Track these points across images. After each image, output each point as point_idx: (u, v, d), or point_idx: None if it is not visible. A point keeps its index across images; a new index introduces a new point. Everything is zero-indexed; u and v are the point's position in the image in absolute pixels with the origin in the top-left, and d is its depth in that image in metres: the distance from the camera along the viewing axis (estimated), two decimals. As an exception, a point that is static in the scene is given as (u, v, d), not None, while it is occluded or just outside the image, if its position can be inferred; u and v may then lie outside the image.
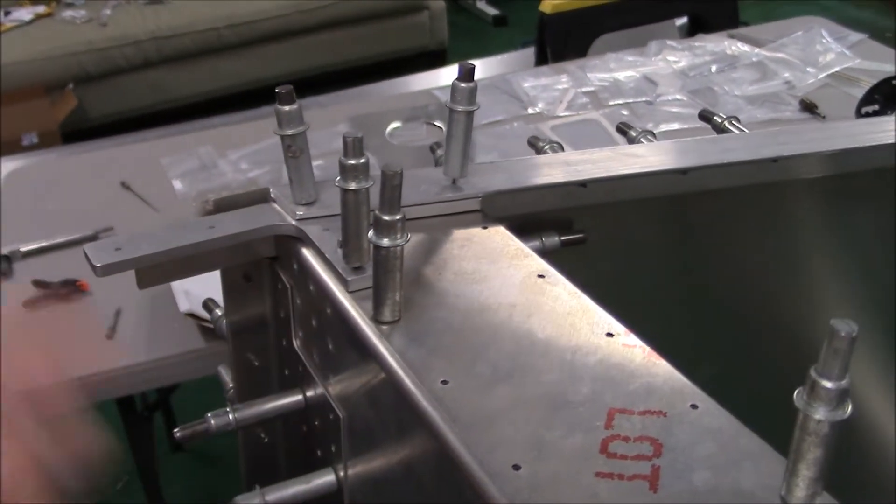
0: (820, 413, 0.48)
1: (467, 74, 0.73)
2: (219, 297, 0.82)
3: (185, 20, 3.52)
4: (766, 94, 2.12)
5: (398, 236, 0.61)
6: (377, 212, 0.61)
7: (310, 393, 0.77)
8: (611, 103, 2.13)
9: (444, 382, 0.59)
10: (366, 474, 0.70)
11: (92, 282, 1.86)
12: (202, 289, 1.49)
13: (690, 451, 0.54)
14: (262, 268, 0.78)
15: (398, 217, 0.61)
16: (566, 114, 2.12)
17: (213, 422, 0.75)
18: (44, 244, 1.93)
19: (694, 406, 0.58)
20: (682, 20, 2.67)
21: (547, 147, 0.88)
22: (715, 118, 0.92)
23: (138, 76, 3.53)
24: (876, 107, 1.95)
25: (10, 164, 2.17)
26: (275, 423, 0.84)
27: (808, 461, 0.49)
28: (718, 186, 0.84)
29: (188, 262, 0.72)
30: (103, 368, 1.72)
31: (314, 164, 1.77)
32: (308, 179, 0.74)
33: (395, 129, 2.09)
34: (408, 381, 0.59)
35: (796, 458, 0.50)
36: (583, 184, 0.80)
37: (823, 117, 2.00)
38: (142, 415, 2.05)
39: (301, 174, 0.73)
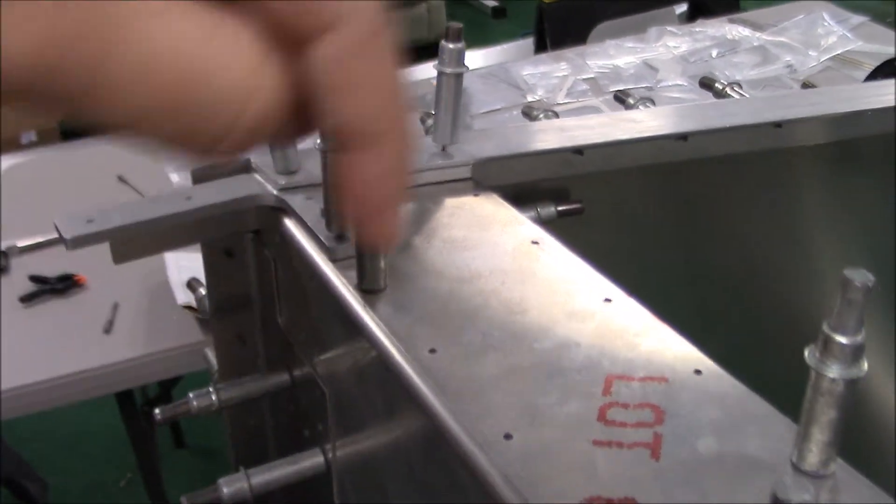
0: (834, 371, 0.44)
1: (455, 34, 0.70)
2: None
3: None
4: (767, 79, 2.09)
5: (381, 199, 0.58)
6: (359, 173, 0.57)
7: (296, 371, 0.73)
8: (611, 90, 2.09)
9: (432, 351, 0.56)
10: (354, 454, 0.67)
11: (89, 276, 1.84)
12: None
13: (694, 417, 0.51)
14: (245, 242, 0.74)
15: (381, 178, 0.57)
16: (566, 101, 2.09)
17: (194, 402, 0.72)
18: (40, 239, 1.91)
19: (698, 371, 0.54)
20: (681, 7, 2.64)
21: (542, 115, 0.85)
22: (716, 85, 0.89)
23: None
24: (880, 89, 1.92)
25: (8, 162, 2.15)
26: (262, 404, 0.80)
27: (822, 424, 0.46)
28: (720, 153, 0.81)
29: (165, 235, 0.69)
30: (101, 363, 1.70)
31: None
32: (290, 148, 0.70)
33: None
34: (393, 351, 0.56)
35: (809, 420, 0.46)
36: (579, 150, 0.77)
37: (827, 100, 1.97)
38: (142, 409, 2.03)
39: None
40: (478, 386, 0.53)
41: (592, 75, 2.15)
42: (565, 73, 2.17)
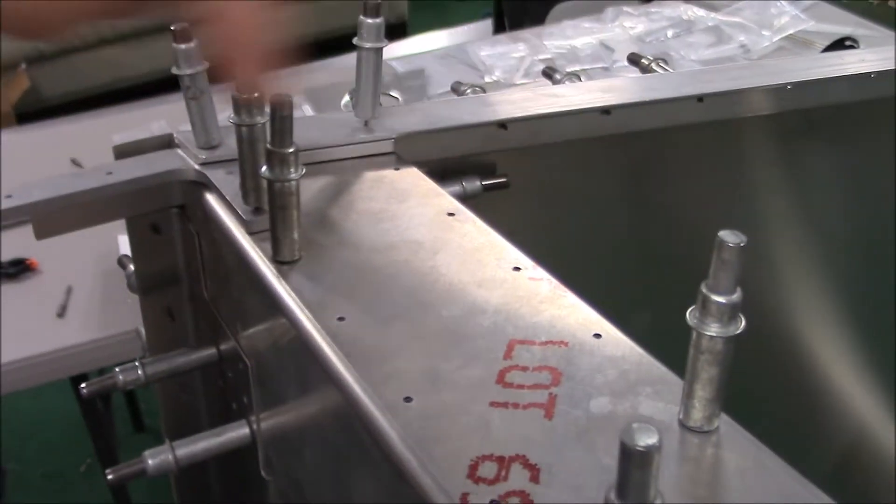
0: (713, 329, 0.46)
1: (373, 9, 0.71)
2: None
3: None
4: (722, 59, 2.10)
5: (292, 170, 0.59)
6: (268, 145, 0.58)
7: (223, 346, 0.74)
8: (568, 70, 2.10)
9: (341, 319, 0.57)
10: (276, 424, 0.68)
11: (42, 260, 1.83)
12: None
13: (590, 379, 0.52)
14: (171, 217, 0.75)
15: (290, 150, 0.58)
16: (523, 82, 2.10)
17: (120, 377, 0.73)
18: (-10, 224, 1.89)
19: (597, 335, 0.56)
20: (639, -13, 2.65)
21: (469, 90, 0.86)
22: (642, 60, 0.90)
23: (93, 54, 3.46)
24: (832, 68, 1.94)
25: (-36, 146, 2.13)
26: (193, 379, 0.81)
27: (703, 381, 0.47)
28: (644, 127, 0.82)
29: (87, 210, 0.69)
30: (54, 347, 1.70)
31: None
32: (211, 122, 0.71)
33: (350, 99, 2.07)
34: (303, 319, 0.57)
35: (692, 378, 0.48)
36: (503, 124, 0.78)
37: (780, 80, 1.99)
38: (98, 394, 2.03)
39: (203, 117, 0.71)
40: (383, 353, 0.54)
41: (550, 56, 2.16)
42: (523, 54, 2.18)
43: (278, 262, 0.62)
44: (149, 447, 0.71)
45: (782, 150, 0.95)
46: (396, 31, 3.69)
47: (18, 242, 1.76)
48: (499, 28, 2.45)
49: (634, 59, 0.91)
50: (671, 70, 0.89)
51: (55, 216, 0.68)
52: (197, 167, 0.70)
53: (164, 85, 3.10)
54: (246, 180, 0.64)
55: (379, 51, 0.72)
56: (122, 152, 0.72)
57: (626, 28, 2.23)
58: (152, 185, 0.70)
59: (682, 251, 0.92)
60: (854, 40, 1.93)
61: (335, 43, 3.56)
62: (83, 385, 0.73)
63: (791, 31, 2.12)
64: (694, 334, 0.47)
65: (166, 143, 0.73)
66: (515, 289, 0.60)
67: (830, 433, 1.10)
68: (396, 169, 0.73)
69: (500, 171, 0.81)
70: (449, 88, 2.11)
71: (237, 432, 0.71)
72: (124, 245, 1.77)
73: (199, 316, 0.78)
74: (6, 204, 0.65)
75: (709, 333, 0.46)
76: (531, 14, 2.38)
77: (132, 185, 0.69)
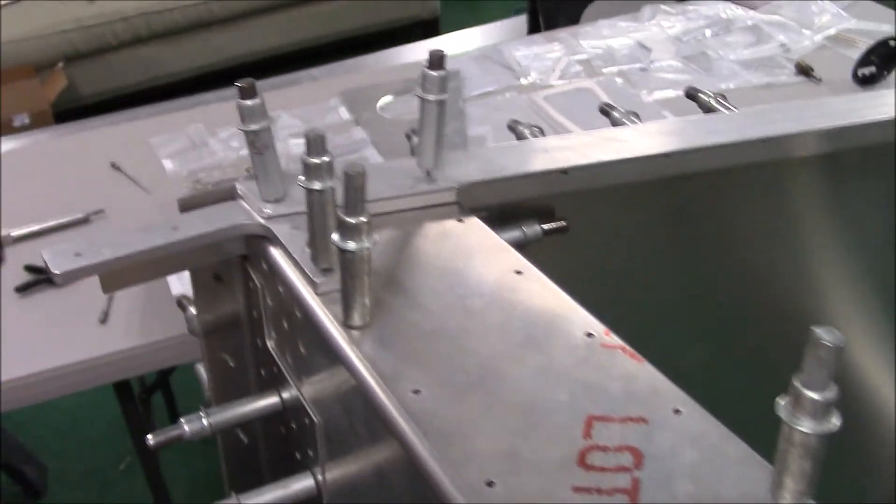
0: (806, 425, 0.45)
1: (437, 62, 0.70)
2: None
3: (173, -6, 3.46)
4: (761, 59, 2.07)
5: (364, 239, 0.58)
6: (341, 214, 0.58)
7: (286, 395, 0.74)
8: (604, 71, 2.08)
9: (416, 392, 0.57)
10: (343, 479, 0.68)
11: (82, 267, 1.84)
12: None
13: (672, 460, 0.52)
14: (233, 266, 0.75)
15: (363, 220, 0.58)
16: (559, 83, 2.08)
17: (186, 428, 0.73)
18: (35, 228, 1.91)
19: (677, 411, 0.55)
20: (676, -17, 2.61)
21: (527, 131, 0.85)
22: (700, 96, 0.89)
23: (129, 53, 3.47)
24: (873, 69, 1.91)
25: (5, 146, 2.14)
26: (254, 424, 0.81)
27: (795, 474, 0.47)
28: (704, 168, 0.81)
29: (153, 265, 0.69)
30: (98, 353, 1.71)
31: (303, 140, 1.73)
32: (275, 175, 0.71)
33: (388, 102, 2.06)
34: (378, 391, 0.57)
35: (782, 469, 0.47)
36: (563, 171, 0.77)
37: (819, 80, 1.96)
38: (140, 397, 2.04)
39: (267, 170, 0.70)
40: (461, 428, 0.54)
41: (586, 56, 2.14)
42: (559, 55, 2.16)
43: (349, 326, 0.62)
44: (186, 445, 0.72)
45: (834, 187, 0.94)
46: (430, 26, 3.68)
47: (60, 250, 1.76)
48: (533, 27, 2.43)
49: (692, 95, 0.89)
50: (731, 107, 0.87)
51: (123, 273, 0.68)
52: (262, 221, 0.70)
53: (199, 83, 3.12)
54: (315, 242, 0.64)
55: (443, 102, 0.72)
56: (186, 205, 0.72)
57: (664, 27, 2.20)
58: (217, 239, 0.70)
59: (737, 289, 0.92)
60: (898, 41, 1.89)
61: (366, 40, 3.57)
62: (150, 437, 0.73)
63: (832, 30, 2.09)
64: (785, 427, 0.46)
65: (228, 194, 0.73)
66: (589, 357, 0.59)
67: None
68: (460, 221, 0.72)
69: (558, 214, 0.81)
70: (486, 90, 2.09)
71: (302, 484, 0.71)
72: (173, 283, 1.77)
73: (260, 363, 0.78)
74: (76, 263, 0.65)
75: (802, 429, 0.46)
76: (566, 13, 2.36)
77: (198, 241, 0.69)
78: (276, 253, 0.69)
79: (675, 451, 0.52)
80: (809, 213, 0.93)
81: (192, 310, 0.82)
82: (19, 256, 1.86)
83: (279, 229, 0.69)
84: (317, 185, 0.61)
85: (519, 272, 0.66)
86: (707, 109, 0.88)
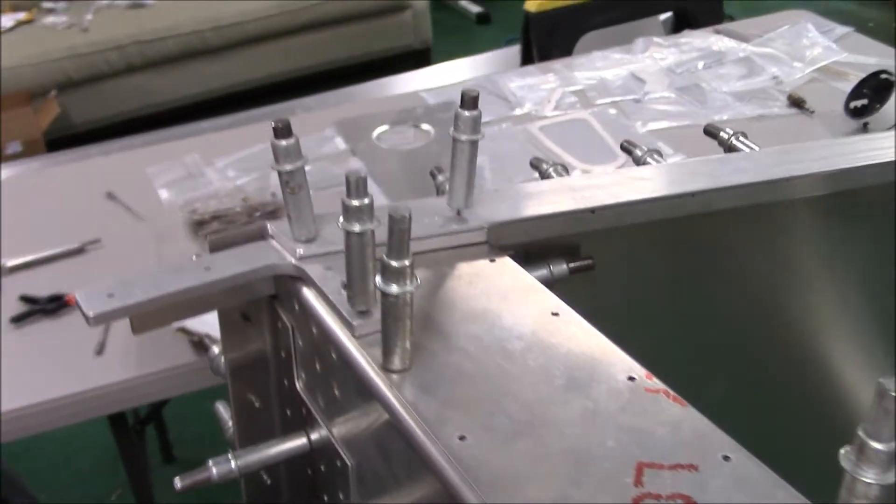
0: (870, 476, 0.45)
1: (471, 102, 0.70)
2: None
3: (168, 23, 3.47)
4: (753, 90, 2.10)
5: (407, 283, 0.58)
6: (385, 257, 0.58)
7: (314, 436, 0.73)
8: (599, 102, 2.10)
9: (462, 438, 0.56)
10: (376, 524, 0.67)
11: (77, 297, 1.82)
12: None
13: (725, 507, 0.52)
14: (262, 306, 0.74)
15: (407, 263, 0.58)
16: (554, 113, 2.09)
17: (214, 470, 0.72)
18: (30, 258, 1.89)
19: (726, 458, 0.55)
20: (665, 16, 2.65)
21: (551, 169, 0.85)
22: (721, 134, 0.89)
23: (122, 81, 3.47)
24: (865, 101, 1.94)
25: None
26: (278, 465, 0.80)
27: (855, 524, 0.47)
28: (725, 206, 0.82)
29: (184, 305, 0.69)
30: (93, 385, 1.69)
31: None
32: (308, 215, 0.70)
33: (383, 132, 2.06)
34: (424, 438, 0.56)
35: (842, 519, 0.47)
36: (591, 210, 0.77)
37: (812, 112, 1.98)
38: (133, 428, 2.02)
39: (300, 210, 0.70)
40: (510, 477, 0.53)
41: (580, 87, 2.16)
42: (553, 86, 2.17)
43: (388, 370, 0.61)
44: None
45: (833, 227, 0.95)
46: (422, 56, 3.70)
47: (55, 278, 1.75)
48: (527, 58, 2.44)
49: (713, 132, 0.90)
50: (751, 144, 0.88)
51: (154, 314, 0.68)
52: (294, 262, 0.70)
53: (192, 112, 3.12)
54: (353, 284, 0.63)
55: (475, 143, 0.72)
56: (217, 245, 0.71)
57: (657, 59, 2.22)
58: (248, 280, 0.70)
59: (747, 325, 0.92)
60: (890, 73, 1.92)
61: (358, 70, 3.58)
62: (178, 479, 0.72)
63: (824, 63, 2.12)
64: (848, 477, 0.46)
65: (258, 234, 0.73)
66: (633, 402, 0.59)
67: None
68: (492, 260, 0.72)
69: (583, 251, 0.81)
70: (482, 121, 2.10)
71: (332, 527, 0.71)
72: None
73: (287, 404, 0.77)
74: (109, 305, 0.64)
75: (865, 479, 0.46)
76: (559, 44, 2.38)
77: (230, 281, 0.68)
78: (309, 294, 0.68)
79: (730, 499, 0.52)
80: (820, 250, 0.93)
81: (215, 349, 0.81)
82: (14, 286, 1.84)
83: (312, 270, 0.69)
84: (356, 228, 0.61)
85: (556, 314, 0.66)
86: (728, 147, 0.88)
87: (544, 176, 0.85)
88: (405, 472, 0.60)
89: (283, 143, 0.67)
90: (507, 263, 0.72)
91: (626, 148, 0.90)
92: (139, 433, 2.06)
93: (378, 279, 0.58)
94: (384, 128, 2.08)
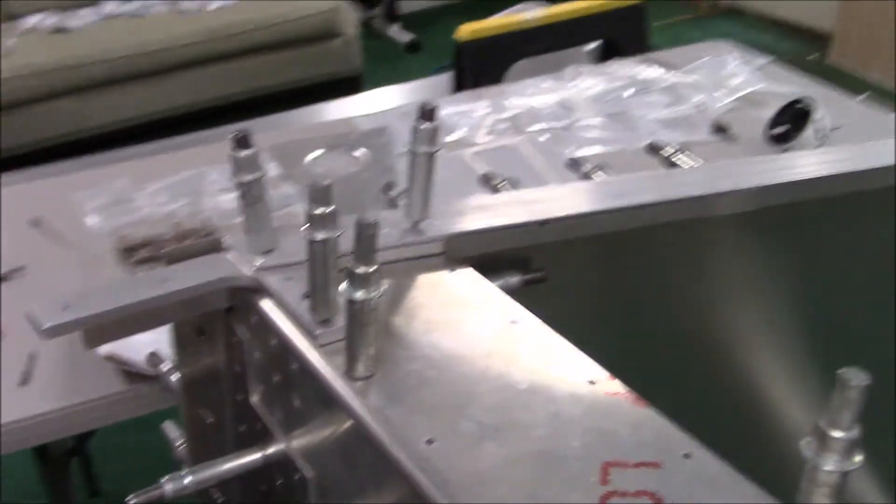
0: (830, 464, 0.47)
1: (428, 114, 0.71)
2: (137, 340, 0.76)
3: (94, 49, 3.40)
4: (679, 117, 2.15)
5: (373, 288, 0.59)
6: (351, 264, 0.58)
7: (269, 451, 0.73)
8: (530, 128, 2.13)
9: (430, 442, 0.56)
10: (337, 536, 0.67)
11: (5, 325, 1.77)
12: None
13: (692, 501, 0.53)
14: (217, 320, 0.74)
15: (373, 269, 0.58)
16: (487, 140, 2.12)
17: (167, 487, 0.71)
18: (-47, 286, 1.83)
19: (687, 455, 0.56)
20: (592, 45, 2.71)
21: (501, 184, 0.86)
22: (661, 152, 0.92)
23: (48, 106, 3.39)
24: (784, 128, 2.01)
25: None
26: (232, 481, 0.79)
27: (818, 513, 0.48)
28: (670, 219, 0.84)
29: (139, 318, 0.68)
30: (17, 416, 1.63)
31: (233, 195, 1.73)
32: (266, 227, 0.70)
33: (317, 157, 2.06)
34: (391, 443, 0.56)
35: (805, 509, 0.49)
36: (541, 222, 0.79)
37: (736, 138, 2.05)
38: (58, 461, 1.96)
39: (259, 221, 0.70)
40: (480, 478, 0.54)
41: (512, 114, 2.19)
42: (485, 112, 2.20)
43: (353, 377, 0.61)
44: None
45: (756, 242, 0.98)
46: (352, 83, 3.70)
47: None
48: (458, 85, 2.47)
49: (655, 148, 0.92)
50: (692, 160, 0.91)
51: (109, 326, 0.66)
52: (252, 273, 0.69)
53: (117, 137, 3.07)
54: (317, 293, 0.64)
55: (432, 155, 0.73)
56: (174, 258, 0.70)
57: (586, 87, 2.27)
58: (204, 292, 0.69)
59: (685, 336, 0.94)
60: (806, 102, 2.00)
61: (288, 96, 3.57)
62: (131, 497, 0.70)
63: (746, 92, 2.19)
64: (809, 467, 0.48)
65: (213, 246, 0.72)
66: (595, 404, 0.60)
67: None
68: (451, 270, 0.73)
69: (534, 265, 0.82)
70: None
71: (290, 542, 0.70)
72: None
73: (241, 419, 0.76)
74: (64, 317, 0.63)
75: (826, 468, 0.47)
76: (490, 72, 2.41)
77: (188, 293, 0.67)
78: (267, 305, 0.68)
79: (693, 494, 0.53)
80: (755, 262, 0.96)
81: (164, 366, 0.80)
82: (-65, 315, 1.77)
83: (271, 281, 0.68)
84: (320, 236, 0.61)
85: (514, 322, 0.67)
86: (669, 163, 0.91)
87: (494, 191, 0.87)
88: (371, 480, 0.60)
89: (243, 153, 0.67)
90: (466, 273, 0.73)
91: (573, 164, 0.92)
92: (64, 466, 2.00)
93: (344, 285, 0.59)
94: (318, 153, 2.08)
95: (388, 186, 0.85)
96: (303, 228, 0.62)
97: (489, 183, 0.89)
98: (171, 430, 0.83)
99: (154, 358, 0.80)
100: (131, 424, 1.70)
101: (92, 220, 1.90)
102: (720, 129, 2.06)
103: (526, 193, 0.84)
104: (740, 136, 2.04)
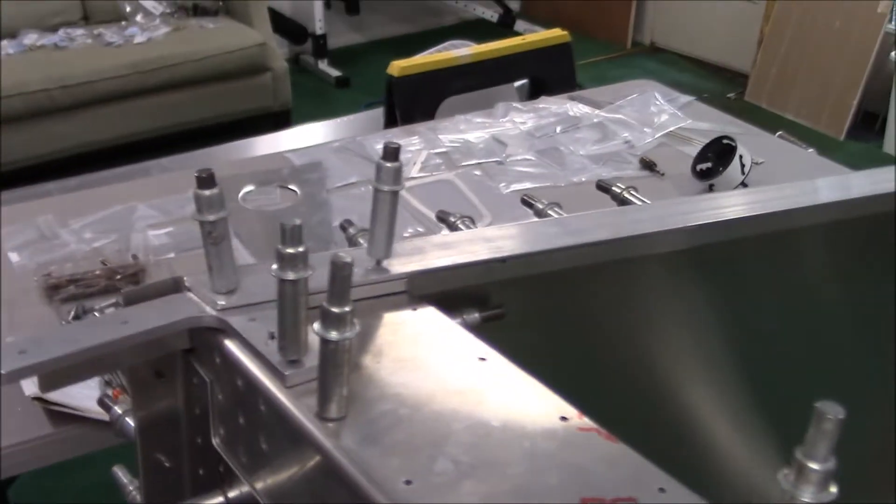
0: (808, 495, 0.48)
1: (392, 154, 0.71)
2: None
3: (13, 81, 3.31)
4: (608, 153, 2.20)
5: (347, 329, 0.58)
6: (325, 303, 0.58)
7: (232, 494, 0.71)
8: (463, 164, 2.15)
9: (408, 483, 0.56)
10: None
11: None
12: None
13: (669, 537, 0.54)
14: (176, 361, 0.72)
15: (348, 309, 0.58)
16: (420, 175, 2.13)
17: (127, 534, 0.69)
18: None
19: (661, 489, 0.57)
20: (520, 82, 2.76)
21: (459, 222, 0.87)
22: (613, 189, 0.94)
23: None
24: (709, 164, 2.08)
25: None
26: (188, 526, 0.77)
27: (795, 543, 0.50)
28: (628, 255, 0.86)
29: (97, 361, 0.66)
30: (-70, 465, 1.57)
31: (163, 231, 1.68)
32: (229, 266, 0.69)
33: (249, 192, 2.04)
34: (368, 485, 0.56)
35: (783, 539, 0.50)
36: (502, 259, 0.79)
37: (663, 174, 2.10)
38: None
39: (222, 261, 0.69)
40: (461, 518, 0.54)
41: (445, 149, 2.21)
42: (418, 148, 2.21)
43: (324, 418, 0.61)
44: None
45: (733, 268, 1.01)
46: (281, 118, 3.69)
47: None
48: (390, 121, 2.48)
49: (605, 187, 0.95)
50: (641, 198, 0.93)
51: (64, 371, 0.64)
52: (215, 313, 0.68)
53: (37, 172, 2.98)
54: (286, 333, 0.63)
55: (396, 194, 0.73)
56: (130, 298, 0.69)
57: (517, 123, 2.30)
58: (164, 334, 0.68)
59: (653, 370, 0.96)
60: (731, 139, 2.07)
61: (216, 130, 3.53)
62: (87, 547, 0.68)
63: (671, 129, 2.25)
64: (787, 497, 0.49)
65: (173, 286, 0.71)
66: (569, 441, 0.61)
67: None
68: (414, 309, 0.73)
69: (492, 301, 0.83)
70: (348, 181, 2.12)
71: (255, 588, 0.68)
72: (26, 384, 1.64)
73: (200, 462, 0.75)
74: (22, 361, 0.61)
75: (804, 499, 0.49)
76: (421, 108, 2.43)
77: (149, 335, 0.66)
78: (231, 346, 0.67)
79: (670, 528, 0.54)
80: (692, 299, 0.99)
81: (118, 409, 0.78)
82: None
83: (235, 321, 0.67)
84: (290, 276, 0.61)
85: (483, 359, 0.68)
86: (620, 201, 0.93)
87: (452, 228, 0.87)
88: (346, 523, 0.59)
89: (207, 192, 0.66)
90: (429, 312, 0.73)
91: (527, 202, 0.93)
92: (-13, 513, 1.92)
93: (317, 325, 0.58)
94: (249, 188, 2.06)
95: (346, 224, 0.85)
96: (273, 268, 0.61)
97: (446, 220, 0.89)
98: (121, 475, 0.81)
99: (106, 400, 0.77)
100: (58, 470, 1.64)
101: (14, 258, 1.84)
102: (648, 166, 2.11)
103: (486, 231, 0.85)
104: (667, 172, 2.09)
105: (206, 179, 0.66)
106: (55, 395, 1.45)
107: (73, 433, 1.47)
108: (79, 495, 2.29)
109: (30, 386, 1.64)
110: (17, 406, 1.67)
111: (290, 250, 0.60)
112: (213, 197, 0.66)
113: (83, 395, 1.38)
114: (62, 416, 1.46)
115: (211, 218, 0.67)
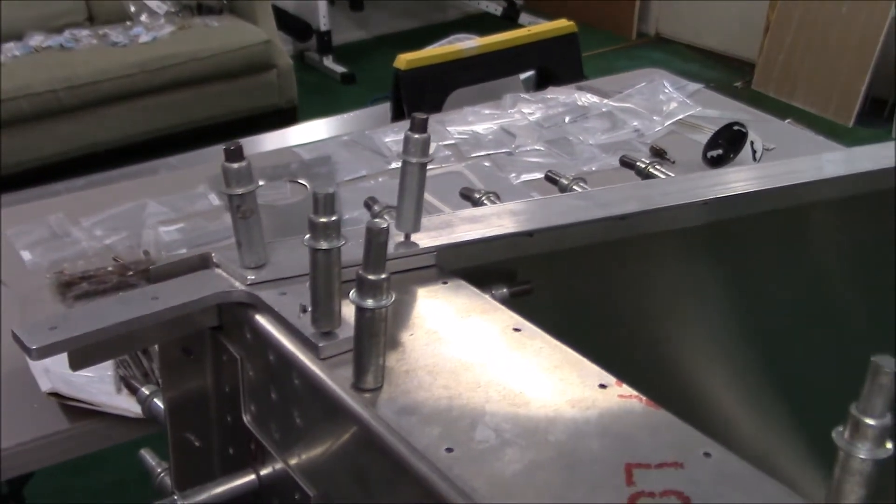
0: (864, 452, 0.47)
1: (420, 125, 0.71)
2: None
3: (20, 83, 3.30)
4: (617, 142, 2.19)
5: (384, 297, 0.57)
6: (361, 271, 0.57)
7: (265, 471, 0.70)
8: (472, 155, 2.14)
9: (449, 451, 0.55)
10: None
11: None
12: (63, 365, 1.39)
13: (718, 499, 0.53)
14: (204, 339, 0.71)
15: (384, 276, 0.57)
16: (430, 167, 2.12)
17: (159, 513, 0.68)
18: None
19: (707, 454, 0.56)
20: (527, 74, 2.75)
21: (483, 198, 0.86)
22: (638, 164, 0.93)
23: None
24: (720, 151, 2.06)
25: None
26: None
27: (852, 501, 0.49)
28: (652, 230, 0.85)
29: (127, 338, 0.65)
30: (-52, 458, 1.56)
31: (174, 227, 1.67)
32: (258, 241, 0.68)
33: (259, 188, 2.03)
34: (409, 454, 0.55)
35: (838, 498, 0.49)
36: (530, 233, 0.78)
37: (673, 162, 2.09)
38: (-7, 507, 1.87)
39: (251, 236, 0.68)
40: (505, 485, 0.53)
41: (454, 141, 2.20)
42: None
43: (361, 389, 0.60)
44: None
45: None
46: (287, 115, 3.67)
47: None
48: (397, 114, 2.47)
49: (629, 162, 0.94)
50: (669, 172, 0.92)
51: (93, 348, 0.64)
52: (245, 288, 0.67)
53: (46, 173, 2.97)
54: (319, 304, 0.62)
55: (424, 166, 0.72)
56: (159, 275, 0.68)
57: (525, 114, 2.29)
58: (192, 310, 0.67)
59: (690, 349, 0.95)
60: (742, 125, 2.05)
61: (223, 129, 3.52)
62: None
63: (680, 117, 2.24)
64: (841, 455, 0.48)
65: (201, 262, 0.70)
66: (609, 408, 0.60)
67: None
68: (445, 283, 0.72)
69: (520, 277, 0.82)
70: (358, 174, 2.11)
71: (289, 566, 0.67)
72: (41, 378, 1.64)
73: (230, 441, 0.74)
74: (52, 337, 0.60)
75: (861, 456, 0.48)
76: (429, 100, 2.42)
77: (178, 311, 0.65)
78: (263, 320, 0.66)
79: (719, 493, 0.53)
80: (718, 270, 0.98)
81: (145, 390, 0.77)
82: None
83: (266, 295, 0.66)
84: (323, 245, 0.60)
85: (517, 329, 0.67)
86: (645, 175, 0.92)
87: (477, 204, 0.86)
88: (386, 494, 0.58)
89: (235, 166, 0.66)
90: (460, 284, 0.72)
91: (551, 178, 0.92)
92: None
93: (353, 294, 0.57)
94: (260, 183, 2.05)
95: (370, 202, 0.84)
96: (306, 238, 0.60)
97: (470, 196, 0.88)
98: (149, 458, 0.80)
99: (133, 382, 0.77)
100: (74, 467, 1.63)
101: (27, 256, 1.83)
102: (658, 153, 2.10)
103: (513, 205, 0.84)
104: (678, 159, 2.08)
105: (234, 152, 0.65)
106: (70, 390, 1.44)
107: (89, 428, 1.46)
108: (94, 495, 2.29)
109: (45, 381, 1.63)
110: (33, 402, 1.66)
111: (324, 219, 0.59)
112: (242, 170, 0.66)
113: (99, 390, 1.37)
114: (78, 412, 1.45)
115: (239, 191, 0.66)
